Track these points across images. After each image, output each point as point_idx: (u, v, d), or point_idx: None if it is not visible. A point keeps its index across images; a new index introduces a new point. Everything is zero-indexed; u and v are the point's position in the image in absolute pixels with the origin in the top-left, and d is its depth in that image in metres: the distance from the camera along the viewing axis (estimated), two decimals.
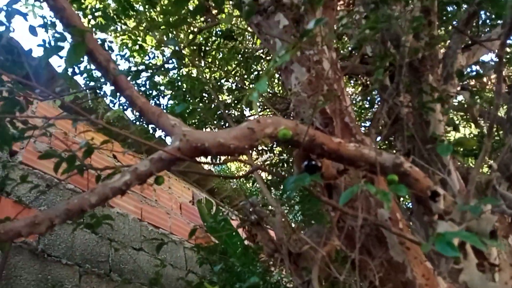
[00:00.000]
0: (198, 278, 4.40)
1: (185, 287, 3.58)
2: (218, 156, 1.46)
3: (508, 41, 3.13)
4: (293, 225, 1.61)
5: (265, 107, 3.89)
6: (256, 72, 3.70)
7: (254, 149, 4.59)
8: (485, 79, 4.84)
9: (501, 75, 1.19)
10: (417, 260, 1.58)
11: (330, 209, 1.67)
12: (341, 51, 3.78)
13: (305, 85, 1.91)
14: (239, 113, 4.28)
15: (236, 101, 3.58)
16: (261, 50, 3.76)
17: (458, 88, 3.14)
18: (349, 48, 3.37)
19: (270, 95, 4.10)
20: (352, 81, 5.12)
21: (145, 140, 1.59)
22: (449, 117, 2.70)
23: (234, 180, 5.58)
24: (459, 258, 1.17)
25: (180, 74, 3.44)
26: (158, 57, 4.16)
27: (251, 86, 3.71)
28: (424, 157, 1.94)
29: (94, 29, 3.14)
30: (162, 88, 3.77)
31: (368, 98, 3.42)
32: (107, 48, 3.53)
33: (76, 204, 1.24)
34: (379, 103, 2.94)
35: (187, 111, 1.75)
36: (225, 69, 3.67)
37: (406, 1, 1.88)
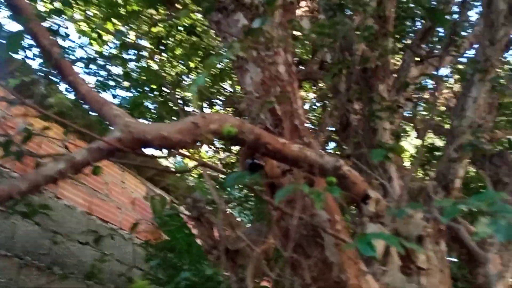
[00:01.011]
0: (146, 274, 4.32)
1: (125, 283, 3.50)
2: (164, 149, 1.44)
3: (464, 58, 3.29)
4: (236, 222, 1.62)
5: (227, 104, 3.89)
6: (218, 69, 3.69)
7: (211, 146, 4.58)
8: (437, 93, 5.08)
9: (439, 87, 1.26)
10: (351, 261, 1.63)
11: (272, 208, 1.69)
12: (306, 57, 3.85)
13: (258, 85, 1.92)
14: (199, 109, 4.24)
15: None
16: (224, 48, 3.75)
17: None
18: (312, 54, 3.44)
19: (231, 93, 4.11)
20: (315, 87, 5.22)
21: (96, 129, 1.54)
22: (399, 126, 2.81)
23: (190, 177, 5.52)
24: (386, 260, 1.22)
25: (139, 66, 3.37)
26: (118, 46, 4.05)
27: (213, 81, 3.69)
28: (368, 163, 2.01)
29: (51, 14, 3.01)
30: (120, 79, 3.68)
31: (324, 102, 3.50)
32: (64, 34, 3.40)
33: (5, 190, 1.19)
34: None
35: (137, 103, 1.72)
36: (187, 64, 3.64)
37: (364, 10, 1.94)
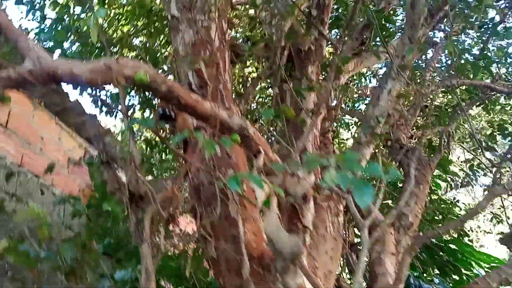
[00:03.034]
0: (73, 233, 4.28)
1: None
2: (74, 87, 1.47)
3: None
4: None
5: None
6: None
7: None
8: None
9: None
10: (251, 218, 1.76)
11: (181, 161, 1.77)
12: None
13: (189, 47, 1.98)
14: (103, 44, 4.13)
15: (140, 58, 3.52)
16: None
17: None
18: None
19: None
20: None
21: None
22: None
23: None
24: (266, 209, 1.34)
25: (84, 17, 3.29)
26: None
27: (161, 44, 3.67)
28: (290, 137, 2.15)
29: None
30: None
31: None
32: None
33: None
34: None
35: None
36: (134, 23, 3.61)
37: None
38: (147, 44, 3.64)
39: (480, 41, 3.18)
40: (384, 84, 2.25)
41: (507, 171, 2.48)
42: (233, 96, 2.20)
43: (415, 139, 3.52)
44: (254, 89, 2.21)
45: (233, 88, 2.60)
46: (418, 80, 2.37)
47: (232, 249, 1.69)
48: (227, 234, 1.71)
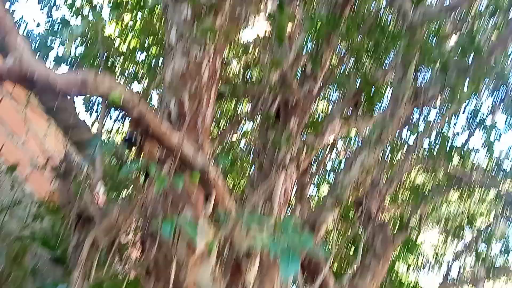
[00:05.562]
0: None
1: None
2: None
3: None
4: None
5: None
6: None
7: None
8: None
9: None
10: (198, 261, 1.72)
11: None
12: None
13: (178, 76, 2.00)
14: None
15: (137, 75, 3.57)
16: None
17: None
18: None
19: None
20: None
21: None
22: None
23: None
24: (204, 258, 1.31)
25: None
26: None
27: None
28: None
29: None
30: None
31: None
32: None
33: None
34: None
35: None
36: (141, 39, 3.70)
37: None
38: (151, 62, 3.71)
39: (466, 129, 3.29)
40: (359, 154, 2.29)
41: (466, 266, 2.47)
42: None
43: (385, 213, 3.51)
44: (234, 129, 2.23)
45: (214, 124, 2.64)
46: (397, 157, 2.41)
47: None
48: (168, 276, 1.65)
